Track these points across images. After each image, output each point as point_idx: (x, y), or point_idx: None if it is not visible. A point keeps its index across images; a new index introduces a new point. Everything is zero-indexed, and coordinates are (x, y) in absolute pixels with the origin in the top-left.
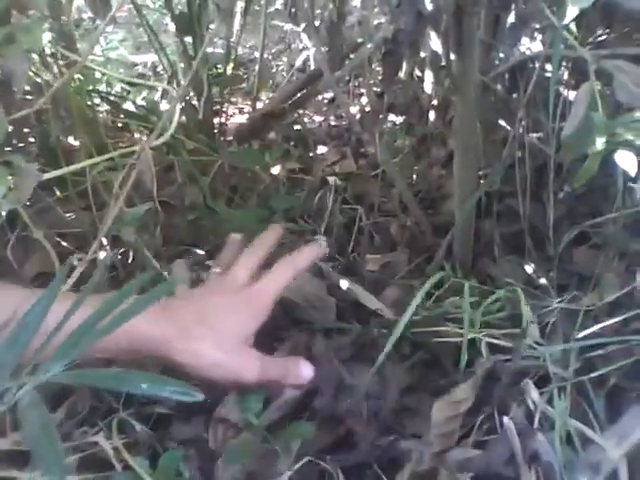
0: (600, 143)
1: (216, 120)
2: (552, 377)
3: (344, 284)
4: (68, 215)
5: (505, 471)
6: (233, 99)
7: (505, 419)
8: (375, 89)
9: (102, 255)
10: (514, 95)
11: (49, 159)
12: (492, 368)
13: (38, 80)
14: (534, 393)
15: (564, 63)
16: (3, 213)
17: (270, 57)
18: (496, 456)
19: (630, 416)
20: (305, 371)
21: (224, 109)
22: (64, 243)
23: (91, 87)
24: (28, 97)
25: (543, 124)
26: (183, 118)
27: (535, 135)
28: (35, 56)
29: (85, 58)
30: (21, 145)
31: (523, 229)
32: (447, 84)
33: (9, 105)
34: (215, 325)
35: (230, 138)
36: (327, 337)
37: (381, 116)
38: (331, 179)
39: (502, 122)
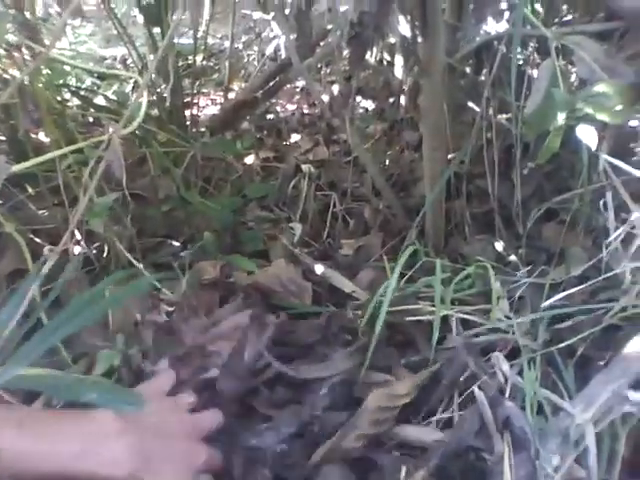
0: (561, 118)
1: (188, 112)
2: (522, 349)
3: (319, 269)
4: (41, 211)
5: (476, 442)
6: (205, 90)
7: (476, 390)
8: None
9: (76, 249)
10: (481, 76)
11: (18, 154)
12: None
13: (4, 75)
14: (504, 365)
15: (530, 43)
16: None
17: (241, 47)
18: (466, 429)
19: (596, 383)
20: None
21: (196, 100)
22: (37, 240)
23: (60, 81)
24: None
25: (509, 104)
26: (155, 111)
27: (503, 116)
28: (1, 50)
29: (50, 48)
30: None
31: (493, 208)
32: (416, 68)
33: None
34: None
35: (203, 129)
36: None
37: (350, 100)
38: (305, 167)
39: (470, 103)
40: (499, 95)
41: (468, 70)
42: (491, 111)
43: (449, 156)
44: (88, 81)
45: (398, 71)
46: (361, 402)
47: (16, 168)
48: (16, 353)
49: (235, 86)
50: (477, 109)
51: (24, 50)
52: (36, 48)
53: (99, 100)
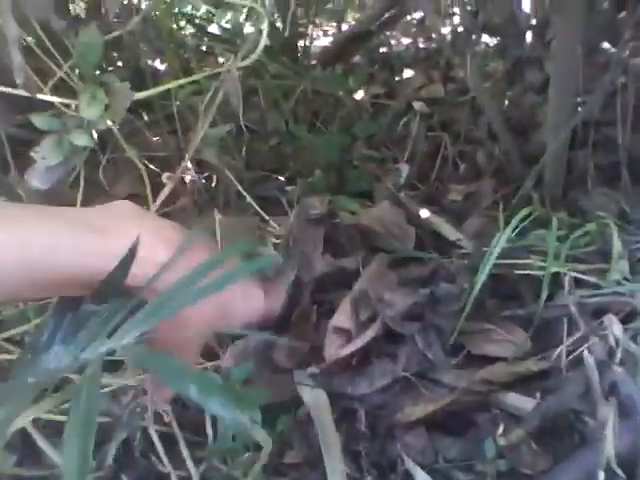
0: None
1: (300, 43)
2: (638, 314)
3: (424, 213)
4: (155, 139)
5: (580, 406)
6: (318, 21)
7: (585, 352)
8: (469, 8)
9: (187, 178)
10: (621, 15)
11: (138, 82)
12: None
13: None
14: (617, 329)
15: None
16: (95, 135)
17: None
18: (570, 392)
19: None
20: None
21: (308, 31)
22: (151, 166)
23: (177, 10)
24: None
25: None
26: (267, 41)
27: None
28: None
29: None
30: (110, 69)
31: (620, 160)
32: (548, 1)
33: (101, 27)
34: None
35: (314, 62)
36: (405, 266)
37: (474, 37)
38: (417, 104)
39: (605, 44)
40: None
41: (607, 7)
42: (626, 53)
43: (577, 101)
44: (203, 8)
45: (526, 4)
46: (461, 350)
47: (139, 95)
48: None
49: (349, 17)
50: (613, 50)
51: None
52: None
53: (213, 28)
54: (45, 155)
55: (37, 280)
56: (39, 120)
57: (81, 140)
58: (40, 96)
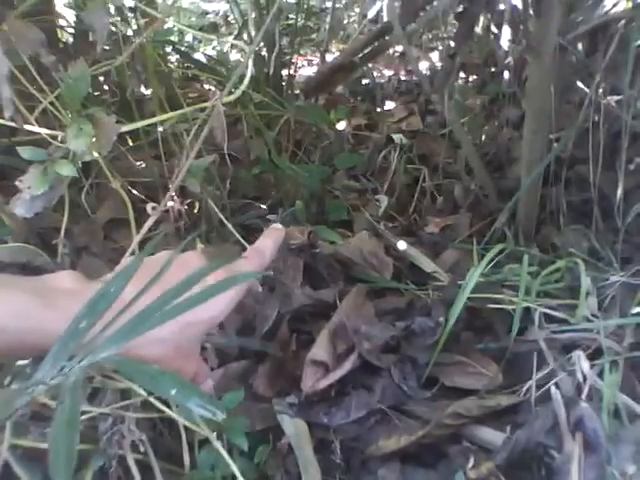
0: None
1: (284, 72)
2: (605, 351)
3: (401, 245)
4: (138, 164)
5: (547, 440)
6: (302, 51)
7: (552, 388)
8: (448, 44)
9: (170, 205)
10: (593, 57)
11: (124, 110)
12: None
13: (117, 34)
14: (585, 365)
15: None
16: (79, 162)
17: (342, 7)
18: (538, 426)
19: None
20: (206, 387)
21: (293, 61)
22: (134, 191)
23: (164, 38)
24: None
25: (621, 88)
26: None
27: (613, 98)
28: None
29: (165, 15)
30: (97, 94)
31: (592, 198)
32: (524, 43)
33: (90, 58)
34: None
35: (297, 91)
36: (383, 297)
37: (453, 76)
38: (397, 137)
39: (579, 84)
40: (611, 79)
41: (579, 50)
42: (598, 93)
43: (551, 137)
44: (189, 36)
45: (504, 42)
46: (435, 383)
47: (125, 128)
48: (114, 334)
49: (333, 48)
50: (586, 90)
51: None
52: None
53: (198, 56)
54: (30, 184)
55: (7, 344)
56: (25, 151)
57: (66, 170)
58: (27, 127)
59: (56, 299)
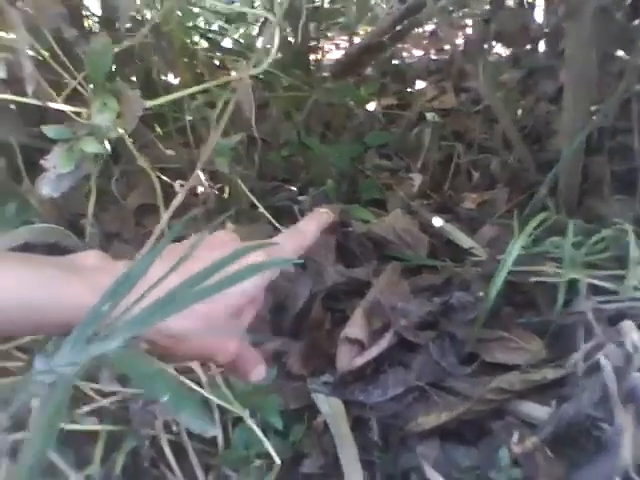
0: None
1: (312, 56)
2: None
3: (437, 222)
4: (168, 151)
5: (596, 412)
6: (330, 34)
7: (602, 358)
8: (479, 19)
9: (199, 188)
10: (635, 22)
11: (150, 94)
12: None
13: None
14: (635, 335)
15: None
16: (108, 146)
17: None
18: (586, 399)
19: None
20: (258, 373)
21: (320, 45)
22: (164, 177)
23: (190, 23)
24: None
25: None
26: (279, 55)
27: None
28: None
29: None
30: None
31: (636, 167)
32: (561, 10)
33: (114, 39)
34: None
35: (326, 74)
36: (419, 274)
37: (486, 45)
38: (429, 115)
39: (620, 52)
40: None
41: (620, 15)
42: None
43: (592, 108)
44: (216, 25)
45: (538, 14)
46: (475, 359)
47: (150, 104)
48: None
49: (361, 30)
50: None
51: None
52: None
53: (226, 42)
54: (56, 163)
55: (34, 320)
56: (50, 130)
57: (92, 147)
58: (51, 104)
59: (84, 274)
